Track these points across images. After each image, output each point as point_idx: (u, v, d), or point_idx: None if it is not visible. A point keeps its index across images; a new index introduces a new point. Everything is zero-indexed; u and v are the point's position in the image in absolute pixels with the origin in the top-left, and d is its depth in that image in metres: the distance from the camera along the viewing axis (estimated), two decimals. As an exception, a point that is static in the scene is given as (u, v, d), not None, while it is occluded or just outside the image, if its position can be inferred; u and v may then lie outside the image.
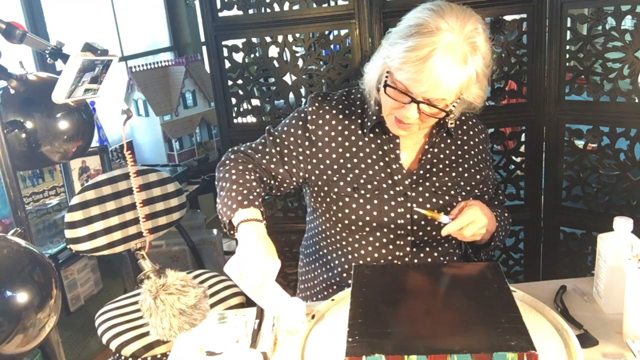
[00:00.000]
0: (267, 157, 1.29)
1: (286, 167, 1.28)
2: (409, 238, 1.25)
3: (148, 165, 2.61)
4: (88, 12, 3.07)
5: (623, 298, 1.02)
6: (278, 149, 1.29)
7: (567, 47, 1.78)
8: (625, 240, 1.08)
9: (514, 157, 2.00)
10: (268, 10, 1.90)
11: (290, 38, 1.93)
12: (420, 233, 1.25)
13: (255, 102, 2.04)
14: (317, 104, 1.29)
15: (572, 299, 1.17)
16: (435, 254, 1.29)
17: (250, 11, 1.92)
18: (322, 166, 1.27)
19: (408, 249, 1.26)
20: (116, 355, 1.65)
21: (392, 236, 1.25)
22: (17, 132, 1.29)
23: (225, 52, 1.97)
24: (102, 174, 1.89)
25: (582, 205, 1.88)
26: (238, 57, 1.98)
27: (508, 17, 1.84)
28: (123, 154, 2.75)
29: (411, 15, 1.12)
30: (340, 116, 1.28)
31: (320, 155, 1.27)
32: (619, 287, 1.05)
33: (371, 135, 1.27)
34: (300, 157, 1.29)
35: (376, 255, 1.27)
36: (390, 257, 1.26)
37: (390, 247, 1.26)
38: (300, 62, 1.94)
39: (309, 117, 1.29)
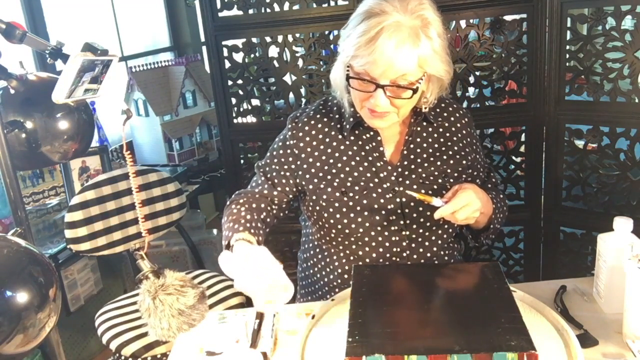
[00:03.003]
0: (260, 187, 1.34)
1: (279, 189, 1.33)
2: (403, 233, 1.26)
3: (148, 165, 2.61)
4: (88, 12, 3.07)
5: (623, 298, 1.02)
6: (268, 175, 1.34)
7: (567, 47, 1.77)
8: (625, 240, 1.08)
9: (514, 157, 2.00)
10: (268, 10, 1.89)
11: (290, 38, 1.93)
12: (414, 226, 1.26)
13: (255, 102, 2.04)
14: (295, 121, 1.33)
15: (572, 299, 1.17)
16: (435, 248, 1.29)
17: (250, 11, 1.92)
18: (308, 176, 1.29)
19: (404, 243, 1.26)
20: (116, 355, 1.65)
21: (386, 233, 1.26)
22: (17, 132, 1.29)
23: (225, 52, 1.97)
24: (102, 174, 1.88)
25: (582, 205, 1.88)
26: (238, 57, 1.98)
27: (508, 17, 1.84)
28: (123, 154, 2.75)
29: (358, 8, 1.16)
30: (319, 125, 1.31)
31: (305, 166, 1.30)
32: (619, 287, 1.05)
33: (352, 137, 1.29)
34: (287, 174, 1.32)
35: (374, 255, 1.27)
36: (388, 255, 1.27)
37: (387, 244, 1.26)
38: (300, 62, 1.94)
39: (289, 134, 1.32)
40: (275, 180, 1.33)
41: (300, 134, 1.31)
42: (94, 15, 3.13)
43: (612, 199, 1.81)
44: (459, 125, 1.33)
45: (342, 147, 1.29)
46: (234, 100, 2.01)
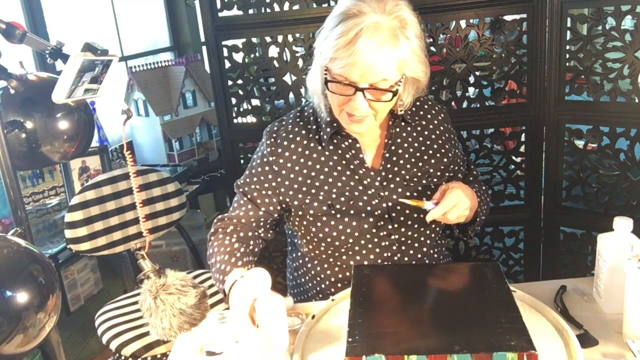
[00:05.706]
0: (243, 209, 1.28)
1: (263, 209, 1.28)
2: (392, 237, 1.25)
3: (148, 165, 2.61)
4: (88, 12, 3.07)
5: (623, 298, 1.02)
6: (249, 196, 1.29)
7: (567, 47, 1.78)
8: (625, 240, 1.08)
9: (514, 157, 2.00)
10: (268, 10, 1.89)
11: (290, 38, 1.93)
12: (403, 229, 1.25)
13: (255, 102, 2.04)
14: (273, 136, 1.29)
15: (572, 299, 1.17)
16: (425, 249, 1.29)
17: (250, 11, 1.92)
18: (291, 192, 1.26)
19: (394, 247, 1.26)
20: (116, 355, 1.65)
21: (376, 239, 1.25)
22: (17, 132, 1.29)
23: (225, 52, 1.97)
24: (102, 174, 1.88)
25: (582, 205, 1.88)
26: (238, 57, 1.98)
27: (508, 17, 1.84)
28: (123, 154, 2.75)
29: (334, 9, 1.14)
30: (298, 138, 1.28)
31: (287, 182, 1.26)
32: (619, 287, 1.05)
33: (331, 147, 1.26)
34: (270, 192, 1.28)
35: (365, 262, 1.26)
36: (379, 260, 1.26)
37: (377, 249, 1.26)
38: (300, 62, 1.94)
39: (267, 150, 1.28)
40: (258, 201, 1.28)
41: (280, 150, 1.27)
42: (94, 15, 3.13)
43: (612, 199, 1.82)
44: (436, 122, 1.32)
45: (322, 159, 1.26)
46: (234, 100, 2.01)
